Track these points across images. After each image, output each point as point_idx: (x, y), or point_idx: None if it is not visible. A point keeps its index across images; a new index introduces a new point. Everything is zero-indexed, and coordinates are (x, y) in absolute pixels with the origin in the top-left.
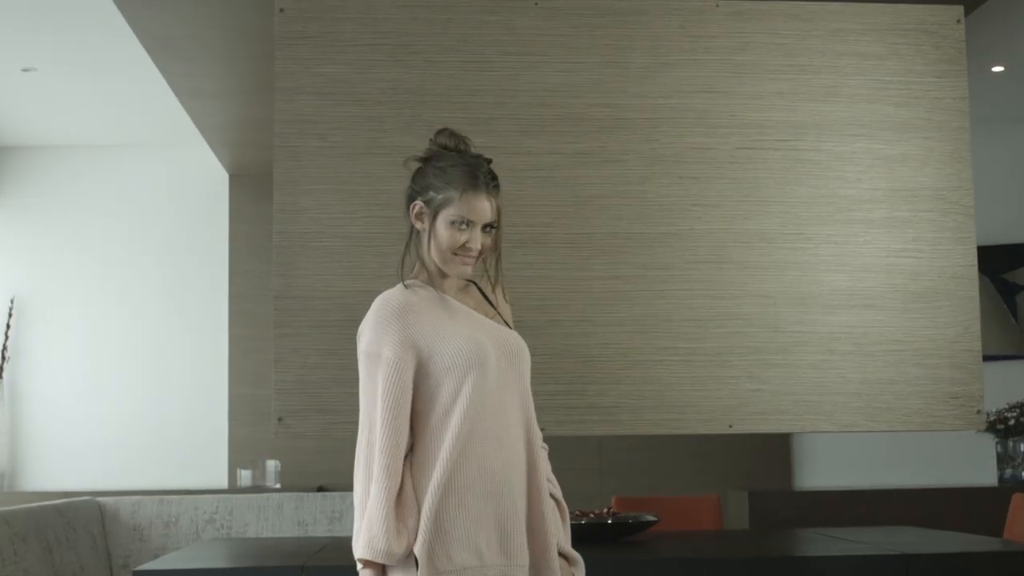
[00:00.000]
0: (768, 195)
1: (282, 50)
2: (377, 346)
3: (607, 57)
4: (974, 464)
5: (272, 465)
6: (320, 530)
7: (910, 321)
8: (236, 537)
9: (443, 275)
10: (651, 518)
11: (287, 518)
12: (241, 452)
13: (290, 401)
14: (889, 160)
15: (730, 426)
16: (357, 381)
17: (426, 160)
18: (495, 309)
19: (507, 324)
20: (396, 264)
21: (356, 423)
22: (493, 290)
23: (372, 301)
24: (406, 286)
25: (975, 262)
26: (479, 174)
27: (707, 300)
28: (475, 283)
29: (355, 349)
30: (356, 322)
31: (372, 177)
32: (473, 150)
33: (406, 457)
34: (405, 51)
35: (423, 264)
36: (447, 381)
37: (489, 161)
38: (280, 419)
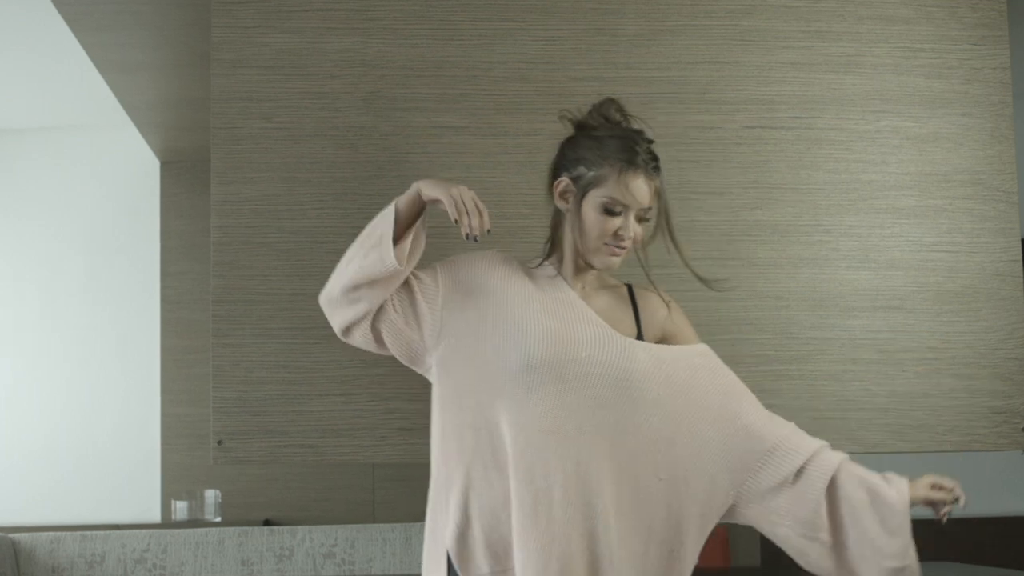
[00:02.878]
0: (780, 181)
1: (220, 17)
2: None
3: (594, 23)
4: (1020, 489)
5: (211, 495)
6: (267, 570)
7: (945, 325)
8: None
9: (581, 267)
10: None
11: (229, 556)
12: (176, 480)
13: (231, 421)
14: (919, 140)
15: None
16: (307, 398)
17: (581, 126)
18: (636, 321)
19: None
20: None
21: (308, 445)
22: (662, 298)
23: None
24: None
25: (1020, 257)
26: (638, 149)
27: (710, 302)
28: (630, 286)
29: (305, 359)
30: (306, 329)
31: (325, 163)
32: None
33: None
34: (362, 17)
35: (560, 249)
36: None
37: (650, 141)
38: (220, 442)
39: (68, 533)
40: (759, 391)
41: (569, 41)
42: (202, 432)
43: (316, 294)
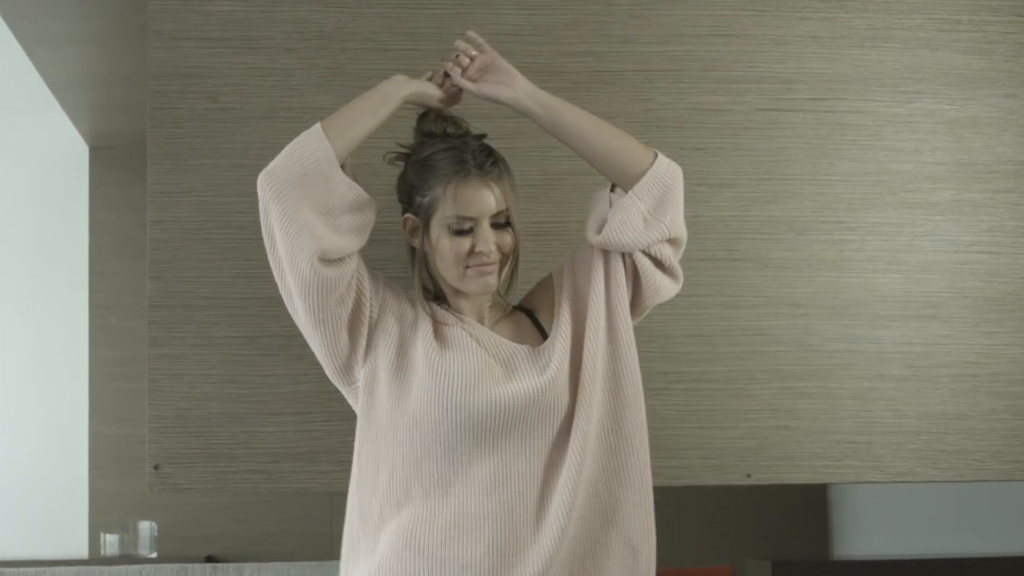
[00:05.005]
0: (797, 171)
1: None
2: None
3: None
4: None
5: (146, 528)
6: None
7: (985, 336)
8: None
9: (461, 296)
10: None
11: None
12: (106, 510)
13: (170, 443)
14: (957, 125)
15: (748, 475)
16: (256, 417)
17: (408, 157)
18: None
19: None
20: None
21: (257, 470)
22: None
23: (276, 310)
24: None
25: None
26: (466, 155)
27: (717, 309)
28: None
29: (255, 373)
30: (256, 338)
31: (278, 148)
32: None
33: None
34: None
35: (426, 287)
36: None
37: (480, 136)
38: (157, 467)
39: None
40: (773, 412)
41: (557, 11)
42: (136, 455)
43: (268, 298)
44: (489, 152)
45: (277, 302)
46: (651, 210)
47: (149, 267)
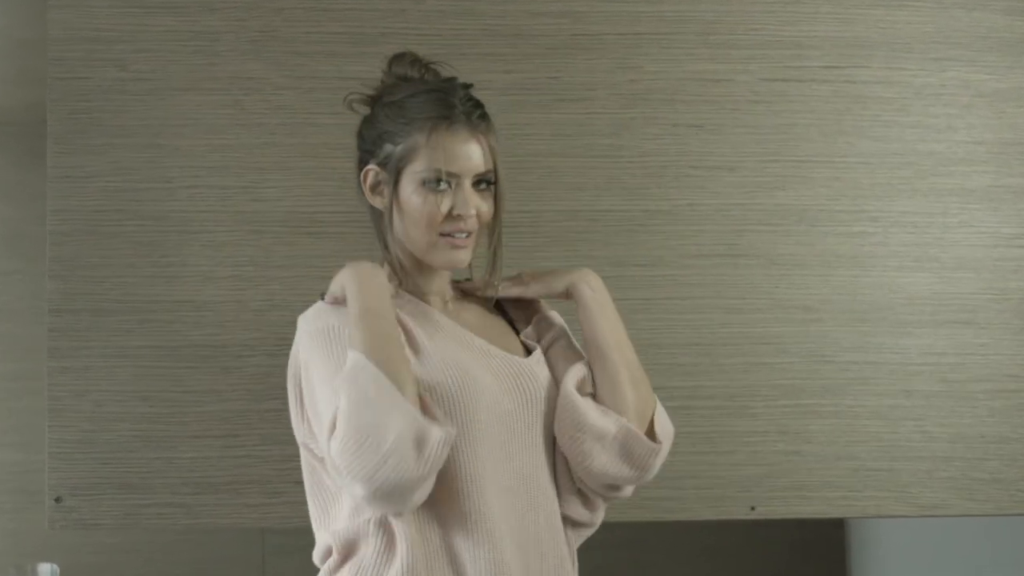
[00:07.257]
0: (810, 151)
1: None
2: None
3: None
4: None
5: (46, 571)
6: None
7: None
8: None
9: (425, 272)
10: None
11: None
12: None
13: (74, 472)
14: (996, 98)
15: (753, 508)
16: (175, 440)
17: (376, 100)
18: (515, 330)
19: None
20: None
21: (176, 503)
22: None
23: (199, 315)
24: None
25: None
26: (453, 100)
27: (717, 314)
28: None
29: (174, 389)
30: (176, 349)
31: (200, 125)
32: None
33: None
34: None
35: (392, 261)
36: None
37: (467, 86)
38: (58, 499)
39: None
40: (781, 434)
41: None
42: (34, 487)
43: (189, 302)
44: (477, 102)
45: (198, 306)
46: (615, 445)
47: (49, 265)
